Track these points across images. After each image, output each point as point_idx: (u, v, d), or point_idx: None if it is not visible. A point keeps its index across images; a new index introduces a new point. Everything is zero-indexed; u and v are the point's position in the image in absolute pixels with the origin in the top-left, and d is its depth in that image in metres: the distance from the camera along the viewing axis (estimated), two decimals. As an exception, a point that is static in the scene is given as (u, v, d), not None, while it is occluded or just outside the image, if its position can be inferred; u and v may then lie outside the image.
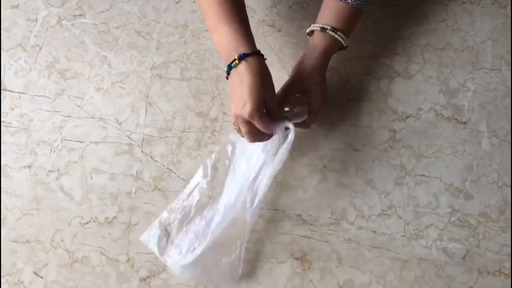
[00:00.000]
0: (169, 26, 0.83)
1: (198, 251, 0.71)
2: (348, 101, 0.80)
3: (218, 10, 0.67)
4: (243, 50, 0.65)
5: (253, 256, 0.76)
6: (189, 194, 0.76)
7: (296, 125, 0.70)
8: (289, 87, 0.71)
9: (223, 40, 0.67)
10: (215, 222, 0.71)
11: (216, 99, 0.80)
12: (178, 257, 0.73)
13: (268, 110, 0.67)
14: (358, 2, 0.70)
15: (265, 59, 0.67)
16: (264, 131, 0.66)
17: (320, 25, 0.71)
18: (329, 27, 0.70)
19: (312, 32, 0.73)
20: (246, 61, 0.64)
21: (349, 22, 0.72)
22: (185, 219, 0.75)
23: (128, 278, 0.76)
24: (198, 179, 0.77)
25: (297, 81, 0.71)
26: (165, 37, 0.82)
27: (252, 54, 0.65)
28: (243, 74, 0.64)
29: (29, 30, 0.83)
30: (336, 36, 0.71)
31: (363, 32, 0.81)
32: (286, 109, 0.72)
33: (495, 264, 0.75)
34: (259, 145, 0.71)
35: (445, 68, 0.80)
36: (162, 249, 0.74)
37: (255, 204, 0.70)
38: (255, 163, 0.70)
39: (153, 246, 0.74)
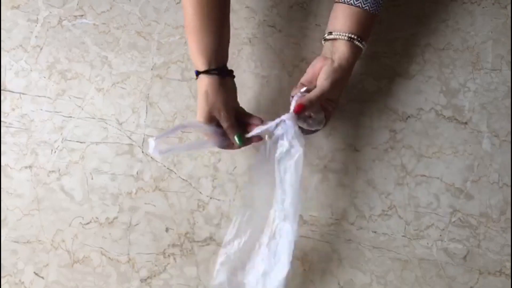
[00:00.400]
0: (169, 26, 0.83)
1: (276, 281, 0.70)
2: (349, 102, 0.80)
3: (189, 22, 0.68)
4: (198, 67, 0.69)
5: (253, 257, 0.76)
6: (238, 228, 0.73)
7: (303, 132, 0.70)
8: (324, 95, 0.69)
9: (190, 52, 0.71)
10: (281, 244, 0.70)
11: (217, 99, 0.80)
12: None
13: (222, 122, 0.70)
14: (375, 7, 0.69)
15: (226, 74, 0.69)
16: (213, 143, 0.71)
17: (347, 34, 0.69)
18: (356, 37, 0.69)
19: (334, 39, 0.71)
20: (198, 78, 0.69)
21: (369, 29, 0.71)
22: (245, 252, 0.73)
23: (129, 278, 0.76)
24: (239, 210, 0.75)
25: (332, 90, 0.69)
26: (165, 37, 0.82)
27: (204, 73, 0.68)
28: (198, 88, 0.70)
29: (29, 31, 0.83)
30: (361, 46, 0.70)
31: (364, 32, 0.81)
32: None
33: (496, 264, 0.75)
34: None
35: (446, 68, 0.80)
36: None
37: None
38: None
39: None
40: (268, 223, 0.72)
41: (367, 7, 0.69)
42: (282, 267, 0.69)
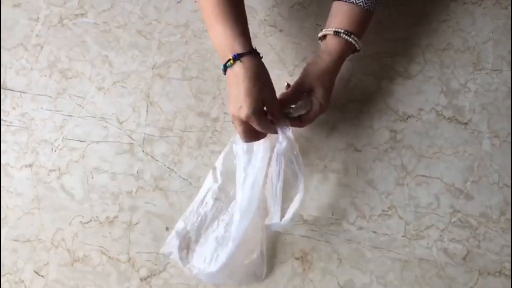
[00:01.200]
0: (170, 25, 0.83)
1: (223, 258, 0.71)
2: (349, 101, 0.80)
3: (215, 9, 0.67)
4: (237, 49, 0.65)
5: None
6: (202, 200, 0.76)
7: (292, 123, 0.70)
8: (298, 85, 0.71)
9: (219, 39, 0.67)
10: (234, 225, 0.70)
11: (217, 99, 0.80)
12: (203, 265, 0.72)
13: (268, 110, 0.67)
14: (369, 4, 0.70)
15: (261, 57, 0.67)
16: (263, 131, 0.67)
17: (334, 29, 0.70)
18: (342, 31, 0.69)
19: (324, 36, 0.72)
20: (240, 61, 0.64)
21: (362, 25, 0.71)
22: (203, 226, 0.75)
23: (129, 277, 0.76)
24: (209, 184, 0.76)
25: (307, 80, 0.70)
26: (166, 36, 0.82)
27: (246, 54, 0.64)
28: (238, 75, 0.64)
29: (30, 29, 0.83)
30: (350, 39, 0.70)
31: (365, 32, 0.81)
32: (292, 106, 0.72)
33: (496, 265, 0.75)
34: (261, 145, 0.71)
35: (446, 69, 0.80)
36: (185, 259, 0.74)
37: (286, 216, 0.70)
38: (261, 164, 0.71)
39: (175, 257, 0.74)
40: (232, 205, 0.74)
41: (361, 3, 0.69)
42: (230, 247, 0.70)
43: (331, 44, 0.71)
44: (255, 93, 0.63)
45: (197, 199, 0.76)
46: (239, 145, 0.73)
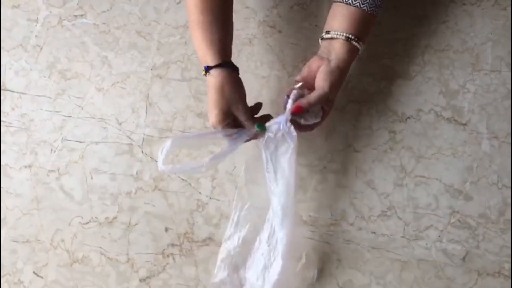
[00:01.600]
0: (169, 26, 0.83)
1: (274, 274, 0.70)
2: (349, 102, 0.80)
3: (196, 17, 0.68)
4: (208, 61, 0.67)
5: (253, 257, 0.76)
6: (237, 223, 0.74)
7: (301, 129, 0.70)
8: (324, 97, 0.69)
9: (196, 48, 0.70)
10: (279, 238, 0.70)
11: (217, 99, 0.80)
12: (257, 285, 0.72)
13: (239, 119, 0.68)
14: (373, 8, 0.69)
15: (235, 69, 0.69)
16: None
17: (344, 34, 0.69)
18: (353, 37, 0.69)
19: (331, 38, 0.71)
20: (209, 74, 0.67)
21: (368, 29, 0.71)
22: (245, 248, 0.73)
23: (128, 278, 0.76)
24: (238, 205, 0.75)
25: (330, 91, 0.69)
26: (165, 37, 0.82)
27: (216, 67, 0.67)
28: (209, 85, 0.68)
29: (30, 30, 0.83)
30: (359, 46, 0.70)
31: (364, 33, 0.81)
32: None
33: (495, 266, 0.75)
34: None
35: (445, 70, 0.80)
36: (238, 286, 0.73)
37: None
38: (289, 168, 0.71)
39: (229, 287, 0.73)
40: (268, 218, 0.72)
41: (365, 7, 0.69)
42: (280, 262, 0.69)
43: (344, 51, 0.70)
44: (220, 105, 0.67)
45: (231, 222, 0.74)
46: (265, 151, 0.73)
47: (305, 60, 0.81)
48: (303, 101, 0.67)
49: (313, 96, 0.68)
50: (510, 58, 0.80)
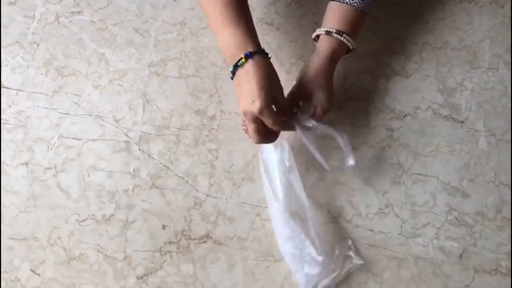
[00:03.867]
0: (167, 23, 0.82)
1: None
2: (346, 100, 0.80)
3: (223, 11, 0.67)
4: (249, 49, 0.65)
5: (250, 255, 0.76)
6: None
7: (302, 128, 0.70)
8: (295, 91, 0.71)
9: (228, 40, 0.66)
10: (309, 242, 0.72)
11: (214, 97, 0.80)
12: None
13: (278, 108, 0.67)
14: (363, 4, 0.70)
15: (270, 57, 0.68)
16: (274, 127, 0.66)
17: (325, 29, 0.70)
18: (334, 30, 0.69)
19: (318, 37, 0.73)
20: (253, 59, 0.64)
21: (355, 25, 0.71)
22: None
23: (125, 275, 0.76)
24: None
25: (302, 84, 0.70)
26: (163, 34, 0.82)
27: (258, 53, 0.65)
28: (249, 71, 0.64)
29: (26, 27, 0.83)
30: (342, 38, 0.70)
31: (361, 30, 0.81)
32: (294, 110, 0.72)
33: (492, 263, 0.75)
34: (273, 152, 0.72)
35: (443, 67, 0.80)
36: None
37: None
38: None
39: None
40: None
41: (355, 4, 0.70)
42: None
43: (323, 45, 0.71)
44: (268, 87, 0.64)
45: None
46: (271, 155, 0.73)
47: (302, 57, 0.81)
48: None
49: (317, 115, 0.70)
50: (507, 55, 0.80)
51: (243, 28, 0.66)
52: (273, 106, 0.65)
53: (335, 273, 0.72)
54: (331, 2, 0.72)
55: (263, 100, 0.63)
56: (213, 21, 0.69)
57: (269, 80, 0.64)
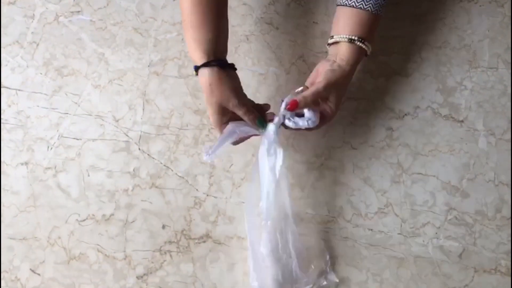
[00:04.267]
0: (166, 23, 0.82)
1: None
2: (346, 99, 0.80)
3: (186, 17, 0.68)
4: (197, 61, 0.67)
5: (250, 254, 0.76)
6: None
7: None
8: (319, 92, 0.68)
9: (188, 49, 0.69)
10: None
11: (214, 96, 0.80)
12: None
13: (239, 115, 0.68)
14: (377, 8, 0.69)
15: (225, 65, 0.68)
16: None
17: (347, 36, 0.69)
18: (356, 38, 0.69)
19: (336, 42, 0.71)
20: (197, 74, 0.68)
21: (373, 30, 0.71)
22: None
23: (125, 275, 0.76)
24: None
25: (328, 89, 0.68)
26: (162, 34, 0.82)
27: (202, 66, 0.67)
28: (201, 85, 0.68)
29: (26, 27, 0.83)
30: (364, 46, 0.69)
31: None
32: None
33: (491, 262, 0.75)
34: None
35: (443, 67, 0.80)
36: None
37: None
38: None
39: None
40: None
41: (369, 8, 0.69)
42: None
43: (347, 52, 0.70)
44: (212, 105, 0.68)
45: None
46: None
47: (302, 57, 0.81)
48: (298, 97, 0.67)
49: (308, 91, 0.68)
50: (507, 55, 0.80)
51: (197, 37, 0.67)
52: (232, 110, 0.68)
53: (307, 287, 0.72)
54: (342, 7, 0.71)
55: (211, 116, 0.69)
56: (182, 24, 0.70)
57: (212, 94, 0.66)
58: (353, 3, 0.69)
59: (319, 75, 0.70)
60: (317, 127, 0.71)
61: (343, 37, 0.70)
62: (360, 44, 0.69)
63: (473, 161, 0.78)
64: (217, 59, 0.67)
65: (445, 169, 0.77)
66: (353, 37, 0.69)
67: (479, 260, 0.75)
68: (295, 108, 0.67)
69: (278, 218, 0.71)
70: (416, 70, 0.80)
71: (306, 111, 0.69)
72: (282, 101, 0.69)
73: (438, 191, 0.77)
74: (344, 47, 0.70)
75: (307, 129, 0.70)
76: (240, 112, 0.68)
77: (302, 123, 0.69)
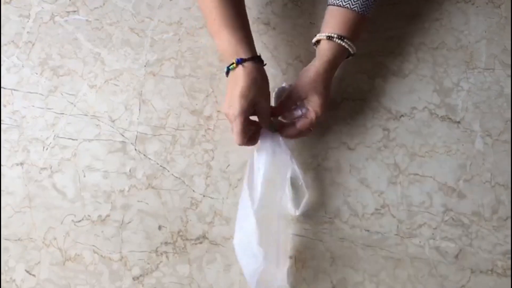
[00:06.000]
0: (163, 23, 0.82)
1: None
2: (343, 100, 0.80)
3: (217, 15, 0.68)
4: (241, 55, 0.67)
5: (246, 255, 0.76)
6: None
7: (288, 133, 0.71)
8: (292, 93, 0.71)
9: (223, 44, 0.69)
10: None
11: (210, 97, 0.80)
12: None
13: (259, 117, 0.69)
14: (364, 8, 0.70)
15: (265, 64, 0.69)
16: (237, 137, 0.67)
17: (327, 34, 0.70)
18: (335, 35, 0.69)
19: (318, 41, 0.72)
20: (243, 65, 0.66)
21: (355, 29, 0.71)
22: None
23: (121, 276, 0.75)
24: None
25: (299, 87, 0.70)
26: (159, 34, 0.82)
27: (249, 60, 0.67)
28: (238, 77, 0.66)
29: (21, 26, 0.82)
30: (343, 43, 0.70)
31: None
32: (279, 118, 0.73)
33: (488, 263, 0.75)
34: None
35: (439, 67, 0.80)
36: None
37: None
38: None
39: None
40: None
41: (355, 8, 0.70)
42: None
43: (324, 49, 0.71)
44: (250, 96, 0.66)
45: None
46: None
47: (299, 57, 0.81)
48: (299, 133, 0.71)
49: (281, 101, 0.72)
50: (503, 56, 0.80)
51: (237, 34, 0.68)
52: (257, 110, 0.68)
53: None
54: (330, 6, 0.72)
55: (239, 108, 0.65)
56: (210, 25, 0.70)
57: (253, 87, 0.66)
58: (340, 2, 0.70)
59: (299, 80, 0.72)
60: (305, 128, 0.71)
61: (323, 35, 0.71)
62: (339, 41, 0.69)
63: (469, 162, 0.78)
64: (259, 56, 0.69)
65: (441, 170, 0.77)
66: (331, 35, 0.70)
67: (476, 261, 0.75)
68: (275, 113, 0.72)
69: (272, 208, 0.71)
70: (413, 71, 0.80)
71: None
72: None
73: (434, 192, 0.77)
74: (322, 45, 0.71)
75: (288, 133, 0.71)
76: (266, 113, 0.69)
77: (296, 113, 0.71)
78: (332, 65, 0.71)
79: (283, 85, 0.75)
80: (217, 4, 0.68)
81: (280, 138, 0.71)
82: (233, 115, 0.66)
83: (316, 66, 0.70)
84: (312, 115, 0.70)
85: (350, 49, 0.71)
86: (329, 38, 0.70)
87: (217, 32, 0.69)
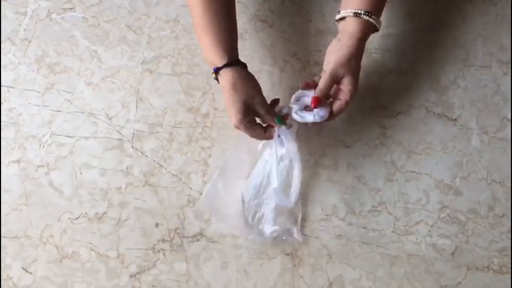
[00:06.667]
0: (160, 20, 0.82)
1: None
2: (340, 97, 0.80)
3: (200, 21, 0.68)
4: (216, 63, 0.68)
5: (243, 252, 0.76)
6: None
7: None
8: (331, 77, 0.68)
9: (204, 53, 0.70)
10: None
11: (207, 94, 0.80)
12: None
13: (259, 116, 0.69)
14: None
15: (244, 65, 0.69)
16: (255, 138, 0.70)
17: (353, 10, 0.68)
18: (362, 11, 0.67)
19: (342, 18, 0.70)
20: (219, 74, 0.68)
21: (379, 4, 0.69)
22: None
23: (118, 274, 0.75)
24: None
25: (337, 70, 0.68)
26: (156, 31, 0.82)
27: (223, 67, 0.67)
28: (221, 85, 0.68)
29: (18, 24, 0.82)
30: (371, 20, 0.68)
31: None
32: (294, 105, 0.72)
33: (484, 260, 0.76)
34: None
35: (436, 65, 0.80)
36: None
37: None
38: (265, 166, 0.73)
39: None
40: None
41: None
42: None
43: (352, 26, 0.68)
44: (236, 102, 0.67)
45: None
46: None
47: (296, 55, 0.81)
48: (317, 92, 0.68)
49: (321, 82, 0.68)
50: (500, 54, 0.80)
51: (215, 40, 0.68)
52: (253, 107, 0.68)
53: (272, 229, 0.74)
54: None
55: (234, 118, 0.67)
56: (195, 27, 0.70)
57: (236, 92, 0.67)
58: None
59: (327, 58, 0.70)
60: (342, 110, 0.70)
61: (349, 12, 0.68)
62: (367, 18, 0.68)
63: (466, 160, 0.78)
64: (236, 59, 0.69)
65: (438, 168, 0.78)
66: (358, 11, 0.68)
67: (472, 258, 0.76)
68: (318, 104, 0.68)
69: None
70: (410, 68, 0.80)
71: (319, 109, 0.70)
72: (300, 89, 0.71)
73: (431, 189, 0.77)
74: (350, 22, 0.69)
75: (314, 124, 0.70)
76: (263, 110, 0.68)
77: (309, 117, 0.69)
78: (363, 42, 0.69)
79: (300, 90, 0.72)
80: (202, 7, 0.68)
81: (287, 131, 0.71)
82: (234, 126, 0.68)
83: (348, 45, 0.68)
84: (347, 96, 0.69)
85: (377, 25, 0.69)
86: (356, 14, 0.68)
87: (199, 37, 0.70)
